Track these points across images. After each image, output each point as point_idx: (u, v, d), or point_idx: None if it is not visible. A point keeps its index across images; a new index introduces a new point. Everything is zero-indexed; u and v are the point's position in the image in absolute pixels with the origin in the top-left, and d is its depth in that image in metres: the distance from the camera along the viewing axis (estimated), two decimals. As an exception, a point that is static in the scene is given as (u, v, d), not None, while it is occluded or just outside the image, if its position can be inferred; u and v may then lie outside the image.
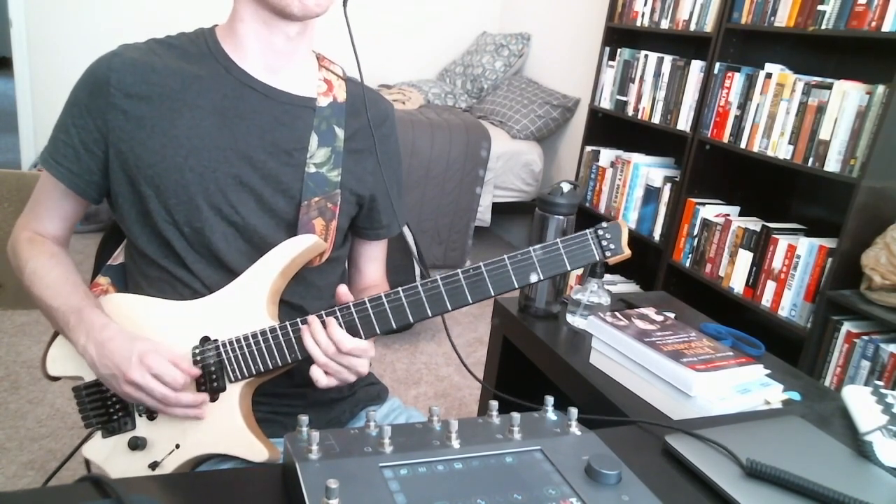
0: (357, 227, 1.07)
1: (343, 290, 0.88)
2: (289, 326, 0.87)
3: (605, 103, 3.14)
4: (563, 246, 0.84)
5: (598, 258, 0.84)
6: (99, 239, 1.10)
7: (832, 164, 2.07)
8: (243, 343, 0.88)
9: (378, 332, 0.86)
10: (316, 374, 0.85)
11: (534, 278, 0.84)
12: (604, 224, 0.85)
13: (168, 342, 0.89)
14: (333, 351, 0.84)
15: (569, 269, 0.84)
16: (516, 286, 0.84)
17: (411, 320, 0.85)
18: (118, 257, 1.05)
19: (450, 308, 0.84)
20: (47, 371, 0.96)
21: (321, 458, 0.63)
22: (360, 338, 0.86)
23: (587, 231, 0.84)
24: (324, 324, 0.85)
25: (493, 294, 0.84)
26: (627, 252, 0.85)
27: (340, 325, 0.85)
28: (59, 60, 3.62)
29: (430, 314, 0.84)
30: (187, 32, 0.96)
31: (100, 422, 0.93)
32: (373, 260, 1.13)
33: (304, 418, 0.67)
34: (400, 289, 0.85)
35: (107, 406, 0.93)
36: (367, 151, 1.01)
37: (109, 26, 3.66)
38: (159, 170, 0.88)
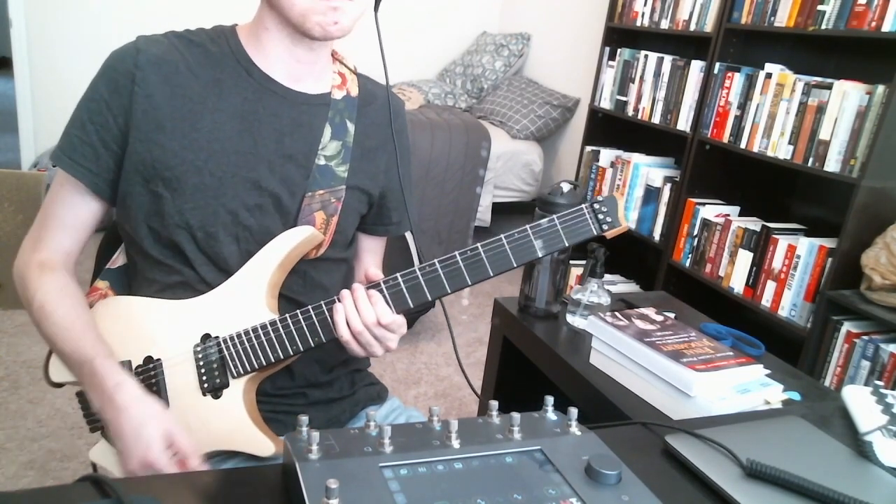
0: (364, 223, 1.06)
1: (376, 270, 0.89)
2: (289, 318, 0.87)
3: (605, 103, 3.14)
4: (559, 222, 0.84)
5: (595, 232, 0.84)
6: (99, 239, 1.10)
7: (832, 164, 2.07)
8: (244, 338, 0.88)
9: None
10: (346, 336, 0.85)
11: (531, 256, 0.84)
12: (599, 197, 0.84)
13: (168, 343, 0.89)
14: (373, 322, 0.85)
15: (566, 244, 0.84)
16: (514, 265, 0.84)
17: (411, 305, 0.86)
18: (117, 260, 1.04)
19: (449, 291, 0.85)
20: (50, 378, 0.95)
21: (321, 458, 0.63)
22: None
23: (583, 205, 0.84)
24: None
25: (491, 274, 0.84)
26: (625, 225, 0.85)
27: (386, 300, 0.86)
28: (59, 60, 3.62)
29: (429, 297, 0.85)
30: (206, 29, 0.94)
31: (105, 425, 0.93)
32: (372, 253, 1.13)
33: (304, 418, 0.67)
34: (398, 274, 0.85)
35: None
36: (380, 149, 1.01)
37: (109, 26, 3.66)
38: (178, 172, 0.87)
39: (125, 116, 0.87)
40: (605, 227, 0.84)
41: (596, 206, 0.84)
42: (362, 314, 0.84)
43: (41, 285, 0.89)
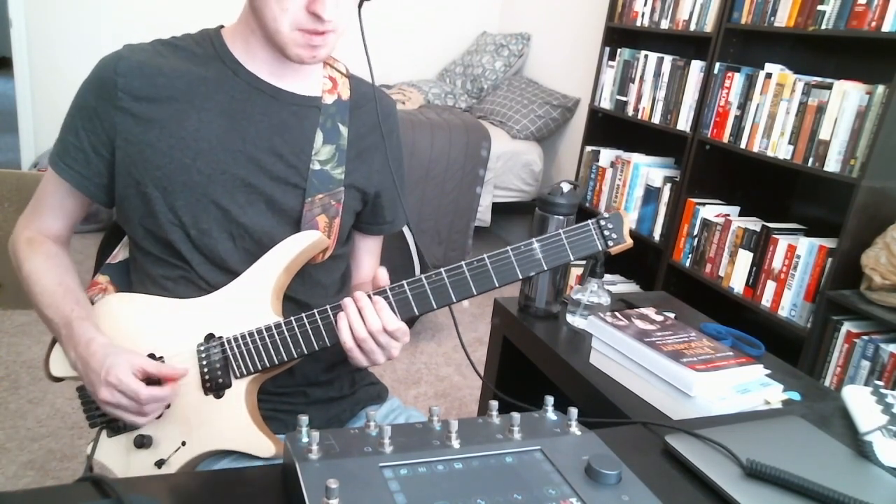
0: (360, 222, 1.07)
1: (383, 273, 0.88)
2: (294, 322, 0.88)
3: (605, 103, 3.14)
4: (565, 236, 0.85)
5: (600, 248, 0.86)
6: (99, 239, 1.10)
7: (832, 165, 2.07)
8: (248, 339, 0.88)
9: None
10: (349, 343, 0.85)
11: (537, 269, 0.85)
12: (605, 214, 0.86)
13: (171, 340, 0.89)
14: (378, 329, 0.84)
15: (572, 259, 0.86)
16: (520, 277, 0.85)
17: (416, 313, 0.86)
18: (117, 255, 1.05)
19: (454, 300, 0.85)
20: (50, 372, 0.96)
21: (321, 458, 0.63)
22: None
23: (589, 221, 0.86)
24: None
25: (497, 285, 0.85)
26: (629, 242, 0.87)
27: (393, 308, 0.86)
28: (59, 60, 3.62)
29: (434, 306, 0.85)
30: (192, 34, 0.96)
31: (104, 421, 0.93)
32: (370, 253, 1.14)
33: (304, 418, 0.67)
34: (404, 282, 0.85)
35: None
36: (373, 149, 1.02)
37: (110, 26, 3.66)
38: (167, 171, 0.89)
39: (111, 122, 0.90)
40: (609, 243, 0.86)
41: (602, 222, 0.86)
42: (367, 321, 0.84)
43: (28, 257, 0.95)
